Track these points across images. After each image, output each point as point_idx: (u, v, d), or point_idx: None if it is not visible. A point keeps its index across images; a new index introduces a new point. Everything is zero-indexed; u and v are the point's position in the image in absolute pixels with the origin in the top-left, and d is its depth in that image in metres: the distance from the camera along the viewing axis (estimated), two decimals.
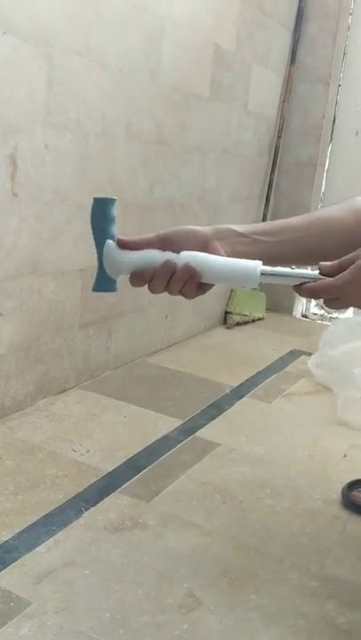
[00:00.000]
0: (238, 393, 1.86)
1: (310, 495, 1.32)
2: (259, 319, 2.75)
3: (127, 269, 0.80)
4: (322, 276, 0.79)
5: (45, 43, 1.42)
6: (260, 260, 0.80)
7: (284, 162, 2.77)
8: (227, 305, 2.64)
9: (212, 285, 0.82)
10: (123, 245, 0.80)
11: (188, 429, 1.58)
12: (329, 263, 0.80)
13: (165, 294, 0.82)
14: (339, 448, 1.56)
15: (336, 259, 0.80)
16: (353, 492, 1.29)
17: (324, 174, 2.82)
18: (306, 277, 0.79)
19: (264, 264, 0.79)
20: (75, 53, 1.51)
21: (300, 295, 0.80)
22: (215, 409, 1.72)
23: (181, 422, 1.61)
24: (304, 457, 1.49)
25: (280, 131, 2.67)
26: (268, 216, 2.77)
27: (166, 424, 1.59)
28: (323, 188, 2.83)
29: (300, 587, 1.03)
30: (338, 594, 1.03)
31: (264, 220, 2.74)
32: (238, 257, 0.82)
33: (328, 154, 2.79)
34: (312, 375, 2.02)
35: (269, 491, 1.33)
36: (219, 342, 2.38)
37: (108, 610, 0.93)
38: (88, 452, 1.41)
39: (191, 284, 0.79)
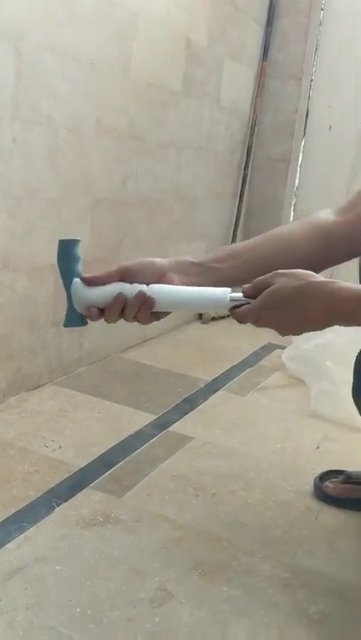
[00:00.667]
0: (213, 387, 1.87)
1: (283, 487, 1.33)
2: None
3: (93, 304, 0.84)
4: (246, 299, 0.82)
5: (15, 37, 1.41)
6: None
7: (257, 158, 2.78)
8: None
9: (168, 313, 0.86)
10: (88, 282, 0.84)
11: (162, 424, 1.58)
12: (247, 285, 0.83)
13: None
14: (311, 440, 1.57)
15: None
16: (325, 484, 1.30)
17: (298, 170, 2.83)
18: (237, 301, 0.83)
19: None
20: (45, 48, 1.50)
21: (235, 319, 0.84)
22: (189, 403, 1.73)
23: (155, 417, 1.61)
24: (277, 449, 1.51)
25: (253, 127, 2.68)
26: (243, 212, 2.78)
27: (140, 419, 1.59)
28: (296, 183, 2.85)
29: (272, 578, 1.04)
30: (310, 584, 1.04)
31: (238, 215, 2.75)
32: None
33: (301, 149, 2.81)
34: (286, 368, 2.04)
35: (242, 483, 1.33)
36: (194, 337, 2.39)
37: (78, 605, 0.93)
38: (60, 447, 1.40)
39: (145, 310, 0.83)
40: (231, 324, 2.62)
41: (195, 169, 2.31)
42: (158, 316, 0.86)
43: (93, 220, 1.81)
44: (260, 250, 0.95)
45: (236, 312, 0.83)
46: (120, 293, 0.82)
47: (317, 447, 1.54)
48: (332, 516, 1.24)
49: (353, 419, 1.67)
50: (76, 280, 0.84)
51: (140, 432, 1.52)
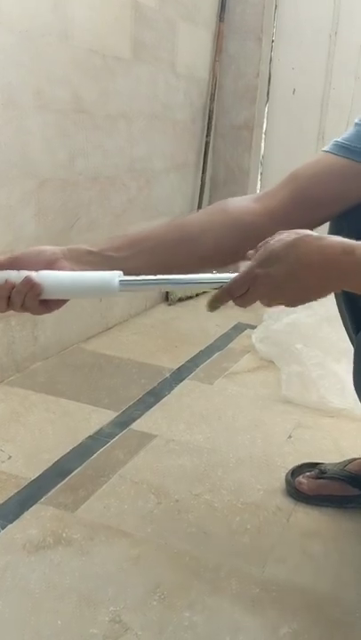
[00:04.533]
0: (179, 376, 1.76)
1: (252, 485, 1.24)
2: (203, 292, 2.64)
3: None
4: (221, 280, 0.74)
5: None
6: None
7: (219, 125, 2.63)
8: None
9: (64, 302, 0.83)
10: None
11: (124, 422, 1.47)
12: (251, 251, 0.74)
13: None
14: (283, 429, 1.48)
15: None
16: (297, 479, 1.20)
17: (263, 136, 2.70)
18: (208, 281, 0.77)
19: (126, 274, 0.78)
20: None
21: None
22: (153, 396, 1.62)
23: (116, 414, 1.50)
24: (246, 442, 1.41)
25: (213, 93, 2.53)
26: (207, 183, 2.65)
27: (100, 418, 1.48)
28: (262, 150, 2.71)
29: (239, 596, 0.95)
30: (280, 599, 0.95)
31: (202, 187, 2.61)
32: None
33: (265, 115, 2.67)
34: (256, 350, 1.93)
35: (208, 484, 1.23)
36: (160, 321, 2.27)
37: None
38: (10, 458, 1.29)
39: (32, 297, 0.78)
40: (198, 303, 2.53)
41: (150, 140, 2.17)
42: (49, 305, 0.81)
43: (39, 203, 1.67)
44: (160, 239, 0.87)
45: (223, 289, 0.73)
46: (6, 280, 0.79)
47: (289, 436, 1.44)
48: (305, 516, 1.15)
49: (326, 402, 1.58)
50: None
51: (98, 432, 1.41)
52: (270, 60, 2.59)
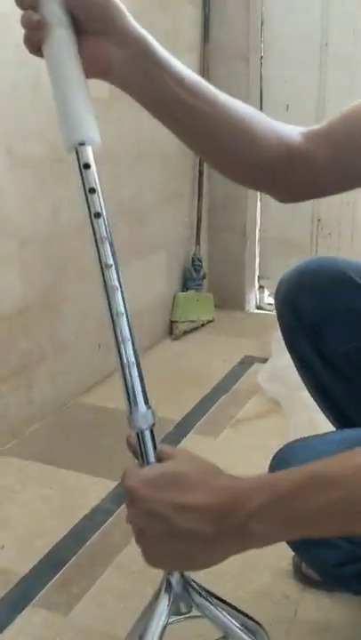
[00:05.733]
0: (182, 429, 1.69)
1: (256, 566, 1.15)
2: (209, 322, 2.56)
3: None
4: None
5: None
6: None
7: None
8: (171, 313, 2.45)
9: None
10: None
11: (122, 493, 1.40)
12: None
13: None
14: None
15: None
16: (304, 563, 1.12)
17: None
18: None
19: None
20: None
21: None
22: None
23: (115, 484, 1.43)
24: None
25: None
26: (204, 210, 2.57)
27: (97, 490, 1.41)
28: None
29: None
30: None
31: (200, 215, 2.54)
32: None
33: None
34: (264, 391, 1.85)
35: (210, 570, 1.15)
36: (163, 359, 2.20)
37: None
38: (3, 547, 1.23)
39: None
40: (204, 335, 2.45)
41: (139, 178, 2.09)
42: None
43: (22, 262, 1.61)
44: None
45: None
46: None
47: None
48: (314, 605, 1.06)
49: None
50: None
51: (95, 510, 1.34)
52: (260, 78, 2.50)
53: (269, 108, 2.53)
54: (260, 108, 2.54)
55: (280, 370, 1.82)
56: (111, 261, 0.62)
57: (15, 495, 1.40)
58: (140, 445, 0.61)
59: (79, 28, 0.64)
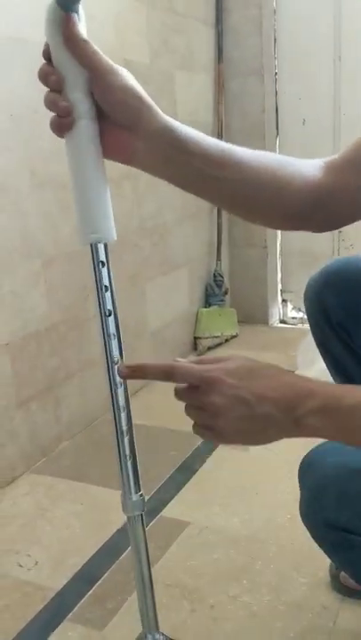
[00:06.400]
0: (211, 444, 1.67)
1: (294, 579, 1.13)
2: (233, 337, 2.55)
3: None
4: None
5: None
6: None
7: None
8: (195, 330, 2.45)
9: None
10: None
11: (154, 508, 1.39)
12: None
13: None
14: None
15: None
16: (342, 572, 1.10)
17: None
18: None
19: None
20: None
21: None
22: (184, 473, 1.53)
23: (146, 499, 1.42)
24: (286, 522, 1.31)
25: (220, 134, 2.47)
26: (224, 224, 2.58)
27: None
28: None
29: None
30: None
31: (220, 229, 2.55)
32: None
33: (277, 147, 2.59)
34: None
35: (246, 582, 1.14)
36: None
37: None
38: (36, 564, 1.22)
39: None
40: (229, 350, 2.44)
41: (158, 196, 2.11)
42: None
43: (48, 281, 1.63)
44: (257, 166, 0.71)
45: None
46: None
47: None
48: (353, 615, 1.04)
49: None
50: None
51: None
52: (276, 94, 2.52)
53: (286, 122, 2.55)
54: (277, 124, 2.56)
55: None
56: (117, 358, 0.68)
57: (47, 513, 1.40)
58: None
59: (103, 114, 0.64)
